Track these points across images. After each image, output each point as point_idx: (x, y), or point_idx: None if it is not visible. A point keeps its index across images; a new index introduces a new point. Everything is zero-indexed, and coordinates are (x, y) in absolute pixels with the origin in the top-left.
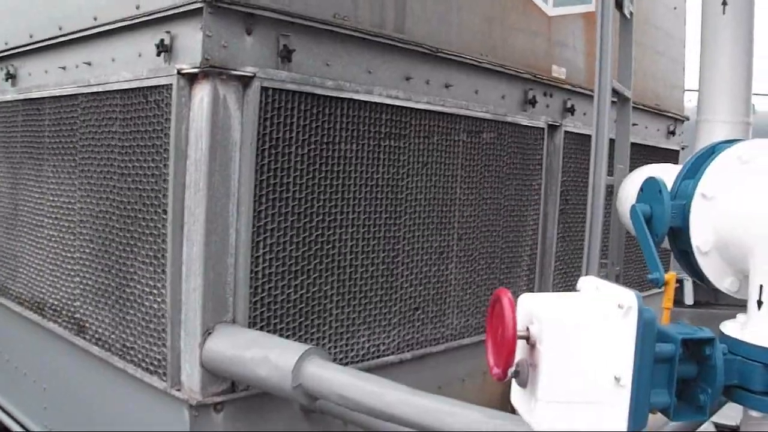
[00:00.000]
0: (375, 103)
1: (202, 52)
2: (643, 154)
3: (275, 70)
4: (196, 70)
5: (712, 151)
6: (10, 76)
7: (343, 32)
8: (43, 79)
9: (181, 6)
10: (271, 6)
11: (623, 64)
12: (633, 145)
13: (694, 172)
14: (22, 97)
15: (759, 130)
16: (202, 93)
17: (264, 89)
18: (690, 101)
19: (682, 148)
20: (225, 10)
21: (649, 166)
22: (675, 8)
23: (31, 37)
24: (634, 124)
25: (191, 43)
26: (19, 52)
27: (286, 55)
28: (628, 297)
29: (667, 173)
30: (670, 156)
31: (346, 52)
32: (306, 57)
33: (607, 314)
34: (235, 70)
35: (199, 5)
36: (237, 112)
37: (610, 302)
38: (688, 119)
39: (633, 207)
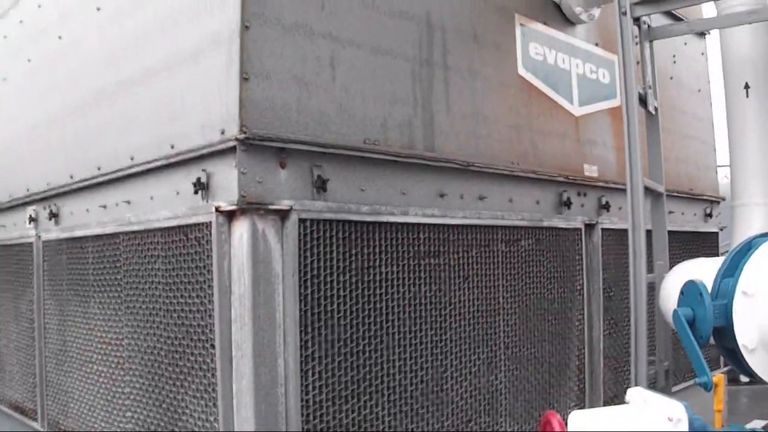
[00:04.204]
0: (411, 223)
1: (238, 189)
2: (682, 240)
3: (311, 200)
4: (234, 207)
5: (749, 247)
6: (53, 215)
7: (374, 157)
8: (85, 217)
9: (215, 145)
10: (303, 139)
11: (653, 160)
12: (671, 233)
13: (732, 269)
14: (65, 235)
15: None
16: (242, 229)
17: (302, 221)
18: (726, 177)
19: (721, 229)
20: (258, 147)
21: (686, 263)
22: (699, 90)
23: (71, 177)
24: (670, 212)
25: (227, 180)
26: (60, 192)
27: (320, 185)
28: (677, 409)
29: (704, 270)
30: (709, 239)
31: (379, 175)
32: (340, 184)
33: (658, 427)
34: (272, 204)
35: (232, 144)
36: (277, 245)
37: (659, 415)
38: (723, 200)
39: (675, 312)
